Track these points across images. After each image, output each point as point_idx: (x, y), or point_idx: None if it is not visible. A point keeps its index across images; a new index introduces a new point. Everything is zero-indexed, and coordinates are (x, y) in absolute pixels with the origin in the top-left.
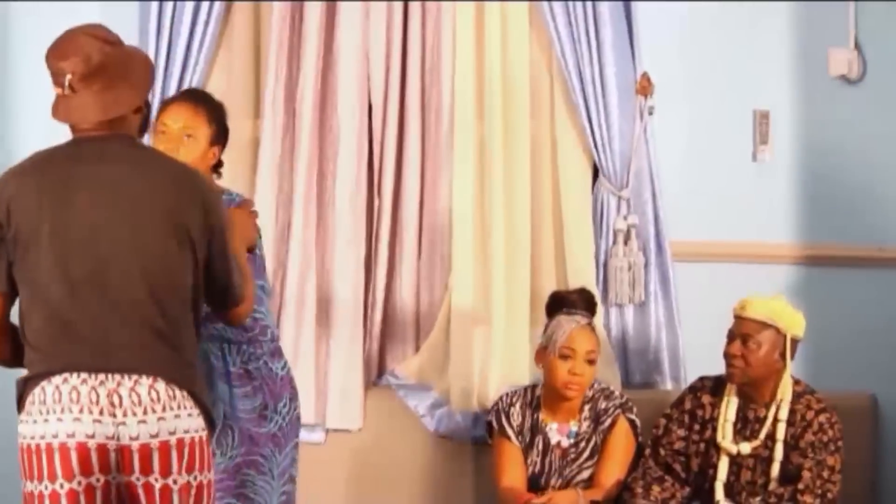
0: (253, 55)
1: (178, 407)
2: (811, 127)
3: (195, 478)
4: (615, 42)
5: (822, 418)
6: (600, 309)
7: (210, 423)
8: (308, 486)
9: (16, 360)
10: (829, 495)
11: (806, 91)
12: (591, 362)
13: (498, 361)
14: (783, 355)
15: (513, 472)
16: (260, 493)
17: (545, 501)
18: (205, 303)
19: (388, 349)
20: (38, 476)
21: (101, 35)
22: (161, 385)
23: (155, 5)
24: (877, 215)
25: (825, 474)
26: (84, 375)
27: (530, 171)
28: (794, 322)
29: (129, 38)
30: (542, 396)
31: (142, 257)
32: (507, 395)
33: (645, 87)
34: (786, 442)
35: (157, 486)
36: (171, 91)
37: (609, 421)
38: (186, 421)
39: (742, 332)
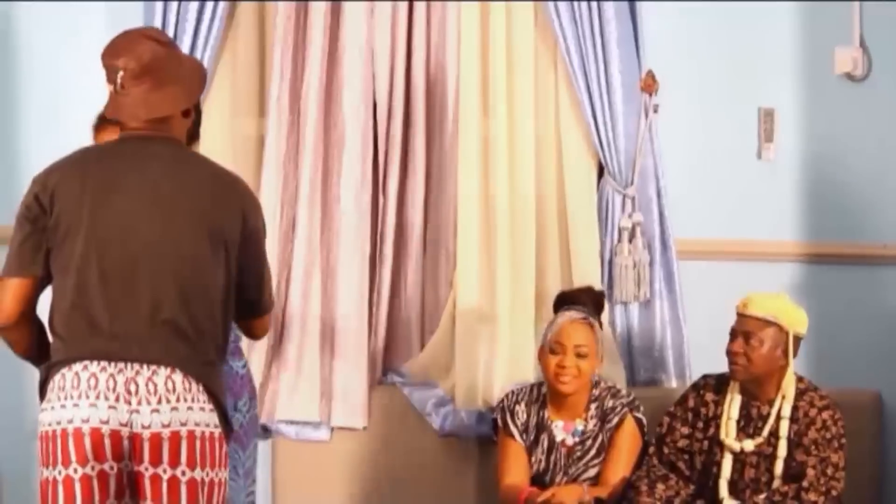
0: (257, 54)
1: (193, 400)
2: (816, 125)
3: (207, 474)
4: (620, 40)
5: (825, 415)
6: (605, 306)
7: (226, 422)
8: (313, 484)
9: (39, 357)
10: (834, 492)
11: (811, 89)
12: (582, 356)
13: (503, 359)
14: (786, 352)
15: (516, 470)
16: (227, 492)
17: (548, 496)
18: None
19: (392, 347)
20: (52, 462)
21: (153, 36)
22: (178, 376)
23: (160, 5)
24: (882, 213)
25: (829, 471)
26: (104, 363)
27: (535, 169)
28: (796, 319)
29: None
30: (547, 394)
31: (172, 257)
32: (513, 392)
33: (650, 85)
34: (789, 439)
35: (165, 477)
36: None
37: (616, 419)
38: (199, 414)
39: (744, 329)
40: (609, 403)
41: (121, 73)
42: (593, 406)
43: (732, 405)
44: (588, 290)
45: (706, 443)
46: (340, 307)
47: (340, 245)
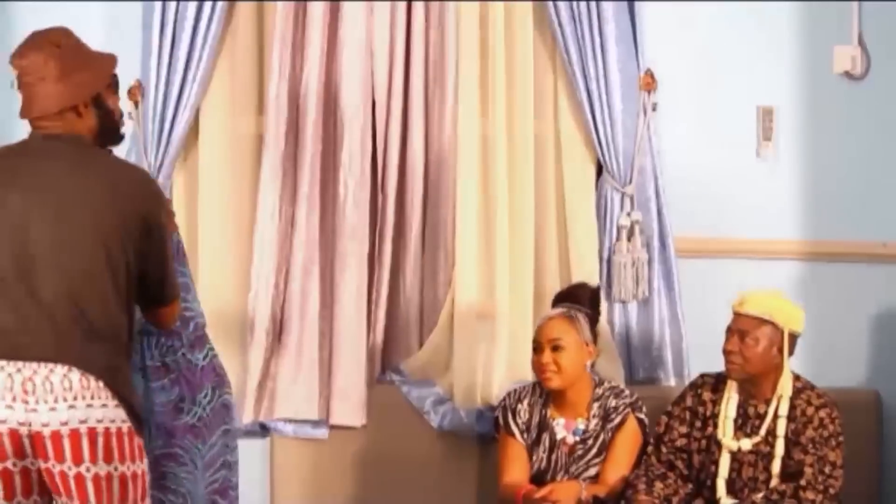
0: (256, 52)
1: (93, 397)
2: (815, 123)
3: (115, 468)
4: (619, 38)
5: (822, 413)
6: (604, 305)
7: (134, 416)
8: (312, 482)
9: None
10: (832, 490)
11: (810, 88)
12: (558, 349)
13: (502, 357)
14: (781, 351)
15: (515, 468)
16: (183, 483)
17: (546, 493)
18: (136, 299)
19: (391, 345)
20: None
21: (55, 37)
22: (75, 374)
23: (158, 4)
24: (880, 211)
25: (827, 470)
26: (3, 363)
27: (534, 168)
28: (791, 317)
29: (133, 35)
30: (549, 392)
31: (64, 257)
32: (515, 391)
33: (648, 84)
34: (787, 438)
35: (71, 473)
36: (175, 88)
37: (618, 419)
38: (101, 411)
39: (740, 328)
40: (611, 403)
41: (20, 71)
42: (595, 405)
43: (730, 404)
44: (582, 287)
45: (704, 442)
46: (339, 305)
47: (339, 243)
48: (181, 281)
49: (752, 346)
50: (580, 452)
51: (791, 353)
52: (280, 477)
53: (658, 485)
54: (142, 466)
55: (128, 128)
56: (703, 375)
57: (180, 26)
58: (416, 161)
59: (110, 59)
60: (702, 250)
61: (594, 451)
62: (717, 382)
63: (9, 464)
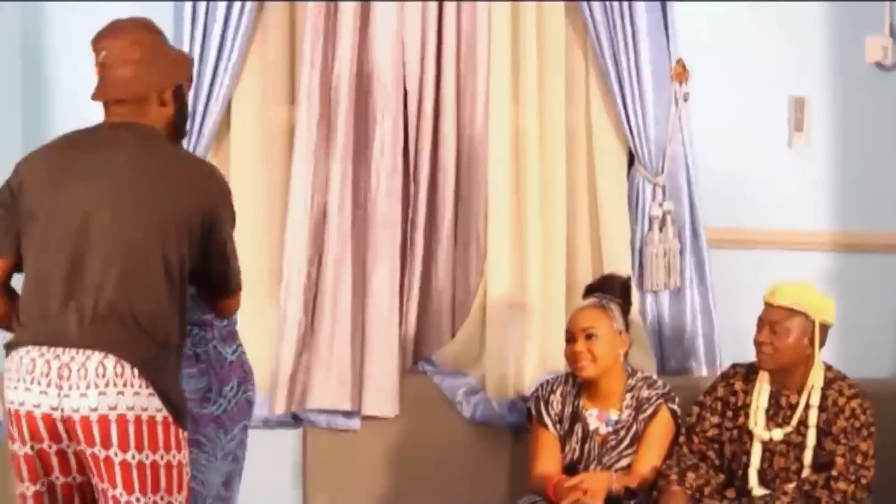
0: (288, 41)
1: (125, 384)
2: (847, 114)
3: (147, 456)
4: (650, 29)
5: (853, 404)
6: (636, 295)
7: (172, 407)
8: (343, 473)
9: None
10: (863, 481)
11: (842, 78)
12: (590, 337)
13: (534, 348)
14: (812, 342)
15: (547, 460)
16: (202, 469)
17: (577, 482)
18: (199, 290)
19: (423, 336)
20: (12, 437)
21: (142, 23)
22: (110, 361)
23: None
24: None
25: (858, 460)
26: (43, 349)
27: (566, 158)
28: (822, 308)
29: (164, 26)
30: (582, 383)
31: (120, 243)
32: (548, 381)
33: (680, 74)
34: (818, 428)
35: (101, 457)
36: (207, 79)
37: (651, 409)
38: (132, 399)
39: (770, 319)
40: (644, 393)
41: (104, 53)
42: (628, 396)
43: (761, 394)
44: (613, 277)
45: (735, 432)
46: (371, 296)
47: (371, 234)
48: None
49: (783, 337)
50: (613, 443)
51: (822, 343)
52: (312, 467)
53: (690, 475)
54: (178, 457)
55: None
56: (734, 365)
57: (211, 16)
58: (448, 151)
59: (187, 57)
60: (733, 241)
61: (626, 441)
62: (748, 372)
63: (45, 445)
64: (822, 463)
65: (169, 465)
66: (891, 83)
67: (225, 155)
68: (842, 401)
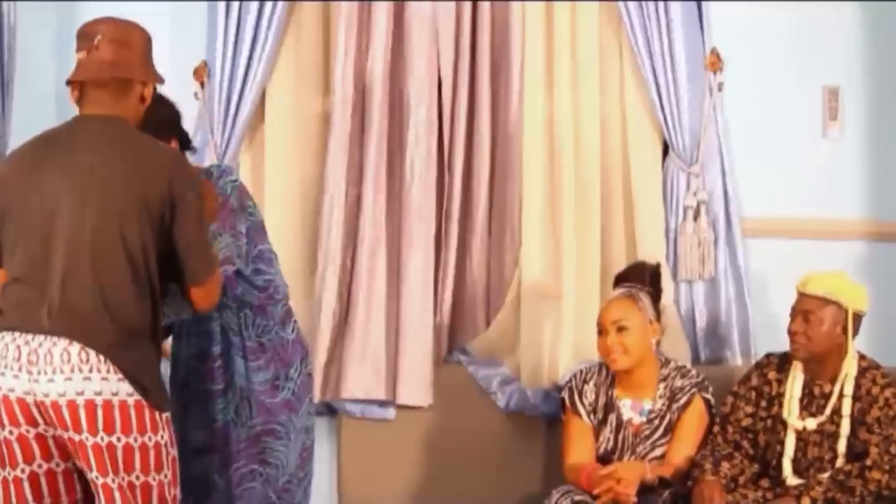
0: (322, 31)
1: (91, 370)
2: (881, 103)
3: (118, 439)
4: (685, 18)
5: (887, 393)
6: (670, 285)
7: (143, 390)
8: (378, 462)
9: None
10: None
11: (875, 67)
12: (622, 329)
13: (568, 337)
14: (845, 331)
15: (580, 449)
16: (278, 457)
17: (610, 472)
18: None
19: (458, 326)
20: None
21: (137, 25)
22: (74, 348)
23: None
24: None
25: (892, 450)
26: (16, 334)
27: (600, 148)
28: (855, 297)
29: (199, 16)
30: (616, 373)
31: (87, 233)
32: (581, 371)
33: (714, 63)
34: (852, 417)
35: (76, 440)
36: (241, 69)
37: (685, 399)
38: (100, 384)
39: (804, 308)
40: (678, 383)
41: (98, 37)
42: (662, 385)
43: (795, 384)
44: (641, 265)
45: (769, 421)
46: (406, 286)
47: (405, 223)
48: (266, 256)
49: (816, 327)
50: (647, 433)
51: (855, 333)
52: (347, 457)
53: (724, 465)
54: (155, 438)
55: (193, 108)
56: (768, 355)
57: (245, 6)
58: (483, 140)
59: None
60: (767, 230)
61: (660, 431)
62: (782, 362)
63: (23, 430)
64: (856, 452)
65: (144, 447)
66: None
67: (260, 144)
68: (875, 390)
